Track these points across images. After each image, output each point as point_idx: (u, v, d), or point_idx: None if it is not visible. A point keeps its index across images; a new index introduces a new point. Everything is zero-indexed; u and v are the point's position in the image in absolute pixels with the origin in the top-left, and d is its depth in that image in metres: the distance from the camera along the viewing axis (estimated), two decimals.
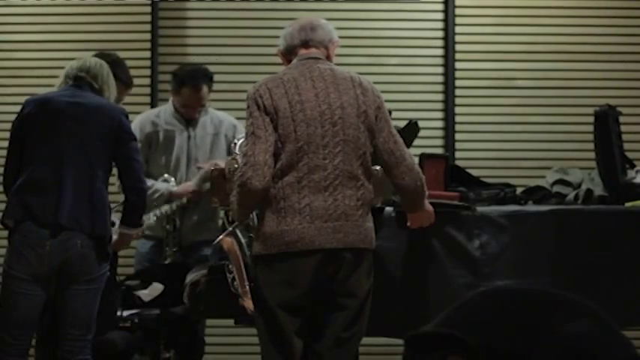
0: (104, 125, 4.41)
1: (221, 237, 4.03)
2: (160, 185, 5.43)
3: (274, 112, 3.89)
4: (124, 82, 5.05)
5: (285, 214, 3.87)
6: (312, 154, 3.90)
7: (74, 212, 4.33)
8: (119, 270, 5.09)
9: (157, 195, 5.39)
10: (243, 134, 5.76)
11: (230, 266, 4.03)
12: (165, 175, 5.49)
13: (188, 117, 5.55)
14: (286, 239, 3.87)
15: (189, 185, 5.44)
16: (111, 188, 4.65)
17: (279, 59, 4.20)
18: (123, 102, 5.03)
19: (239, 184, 3.86)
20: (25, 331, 4.39)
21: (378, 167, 4.51)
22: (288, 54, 4.13)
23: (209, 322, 5.61)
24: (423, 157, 4.97)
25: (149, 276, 5.23)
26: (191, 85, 5.50)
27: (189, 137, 5.54)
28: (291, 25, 4.17)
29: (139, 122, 5.55)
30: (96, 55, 4.85)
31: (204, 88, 5.52)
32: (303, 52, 4.09)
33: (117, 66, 4.92)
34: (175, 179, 5.49)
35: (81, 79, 4.53)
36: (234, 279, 4.02)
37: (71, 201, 4.34)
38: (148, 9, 6.60)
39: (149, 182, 5.26)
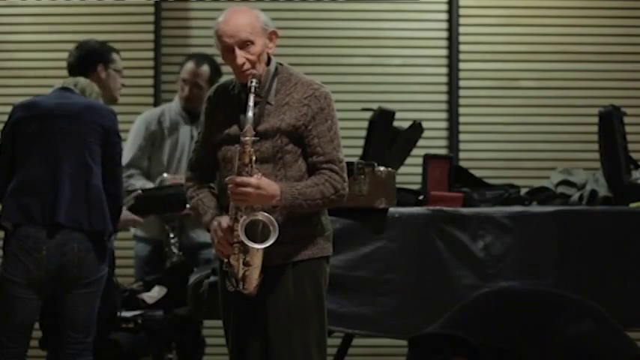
0: (95, 123, 4.40)
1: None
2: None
3: None
4: (109, 51, 5.01)
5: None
6: None
7: (72, 210, 4.32)
8: (117, 272, 5.06)
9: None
10: None
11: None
12: (165, 175, 5.46)
13: (189, 103, 5.52)
14: None
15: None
16: None
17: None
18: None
19: (345, 194, 3.75)
20: (22, 334, 4.38)
21: (382, 168, 4.50)
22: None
23: (209, 322, 5.59)
24: (426, 158, 4.96)
25: (154, 283, 5.23)
26: (195, 59, 5.58)
27: (192, 136, 5.51)
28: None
29: (144, 120, 5.55)
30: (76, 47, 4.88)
31: (205, 68, 5.54)
32: None
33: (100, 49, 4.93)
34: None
35: (68, 88, 4.54)
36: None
37: (68, 199, 4.32)
38: (151, 9, 6.59)
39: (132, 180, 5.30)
